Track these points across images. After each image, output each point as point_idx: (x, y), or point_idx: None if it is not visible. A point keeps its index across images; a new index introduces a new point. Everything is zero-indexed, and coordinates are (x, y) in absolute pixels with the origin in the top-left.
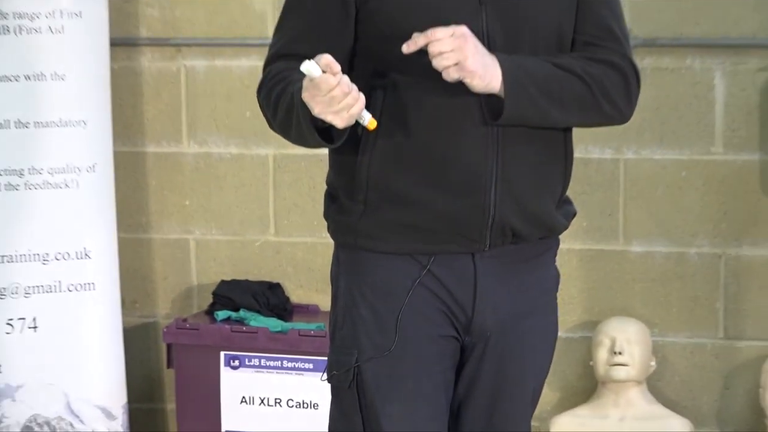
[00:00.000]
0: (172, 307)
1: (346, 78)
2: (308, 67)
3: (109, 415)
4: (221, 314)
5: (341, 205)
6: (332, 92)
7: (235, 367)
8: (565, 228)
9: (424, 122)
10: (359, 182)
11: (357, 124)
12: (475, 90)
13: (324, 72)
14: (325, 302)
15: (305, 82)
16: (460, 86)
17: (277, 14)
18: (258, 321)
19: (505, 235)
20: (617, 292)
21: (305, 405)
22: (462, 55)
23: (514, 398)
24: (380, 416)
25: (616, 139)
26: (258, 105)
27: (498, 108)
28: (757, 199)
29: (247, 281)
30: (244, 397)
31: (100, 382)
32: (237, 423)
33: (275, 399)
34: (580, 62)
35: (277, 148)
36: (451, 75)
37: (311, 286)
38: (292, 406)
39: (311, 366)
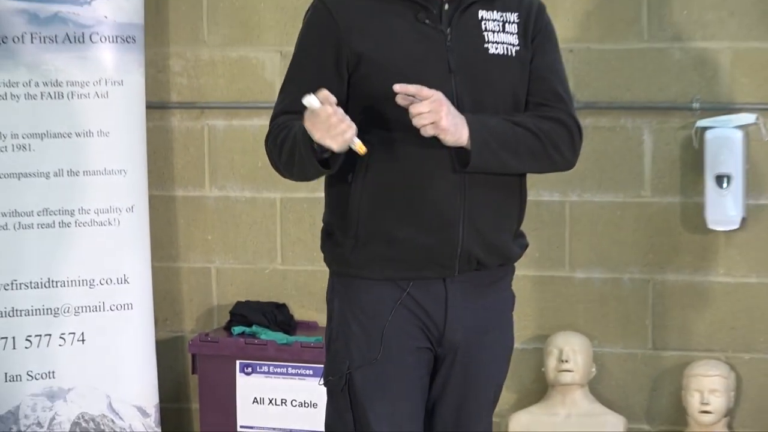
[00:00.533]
0: (197, 324)
1: (340, 109)
2: (309, 100)
3: (144, 413)
4: (237, 329)
5: (336, 240)
6: (329, 120)
7: (248, 373)
8: (519, 257)
9: (404, 170)
10: (351, 221)
11: (350, 149)
12: (447, 144)
13: (322, 104)
14: (323, 319)
15: (306, 114)
16: (434, 140)
17: None
18: (267, 335)
19: (470, 263)
20: (564, 311)
21: (306, 404)
22: (437, 116)
23: (479, 399)
24: (368, 414)
25: (563, 184)
26: (266, 152)
27: (465, 159)
28: (679, 234)
29: (258, 302)
30: (256, 398)
31: (137, 386)
32: (250, 420)
33: (281, 399)
34: (533, 120)
35: (283, 192)
36: (427, 132)
37: (312, 306)
38: (296, 406)
39: (311, 372)
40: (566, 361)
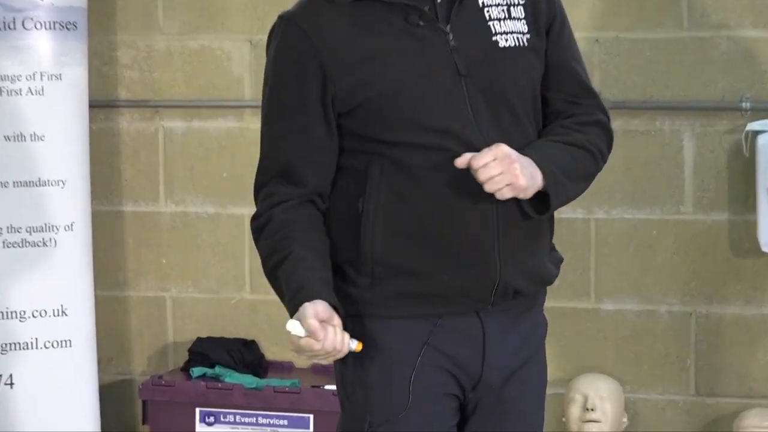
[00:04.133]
0: (148, 364)
1: (331, 334)
2: (293, 328)
3: None
4: (197, 371)
5: (346, 278)
6: (316, 353)
7: (210, 424)
8: (556, 276)
9: (424, 197)
10: (364, 257)
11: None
12: (519, 197)
13: (308, 335)
14: (299, 359)
15: (290, 335)
16: (452, 160)
17: (254, 77)
18: (233, 377)
19: (507, 294)
20: (589, 350)
21: None
22: (513, 176)
23: None
24: None
25: (588, 199)
26: (252, 236)
27: (538, 205)
28: (726, 258)
29: (222, 338)
30: None
31: None
32: None
33: None
34: (581, 134)
35: (252, 207)
36: (504, 195)
37: (286, 343)
38: None
39: (286, 422)
40: (592, 410)
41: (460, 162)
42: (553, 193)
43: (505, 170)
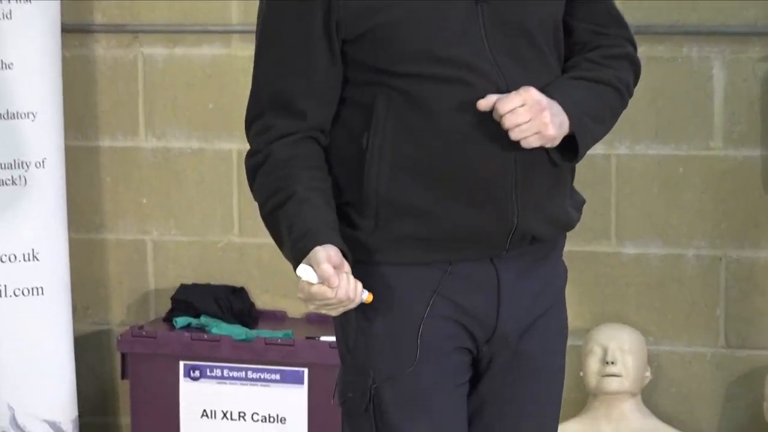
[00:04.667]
0: (128, 314)
1: (344, 282)
2: (304, 273)
3: (59, 430)
4: (181, 321)
5: (348, 221)
6: (328, 301)
7: (195, 378)
8: (578, 220)
9: (435, 133)
10: (367, 198)
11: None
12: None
13: (321, 282)
14: (293, 308)
15: (300, 281)
16: (473, 95)
17: None
18: (220, 328)
19: (524, 239)
20: (609, 298)
21: (272, 419)
22: (542, 125)
23: (543, 412)
24: None
25: (608, 134)
26: (246, 178)
27: (566, 153)
28: (759, 198)
29: (208, 285)
30: (205, 411)
31: (49, 395)
32: None
33: (239, 413)
34: (610, 70)
35: (241, 142)
36: (531, 143)
37: (278, 290)
38: (258, 421)
39: (278, 377)
40: (612, 363)
41: (484, 104)
42: (582, 140)
43: (534, 117)
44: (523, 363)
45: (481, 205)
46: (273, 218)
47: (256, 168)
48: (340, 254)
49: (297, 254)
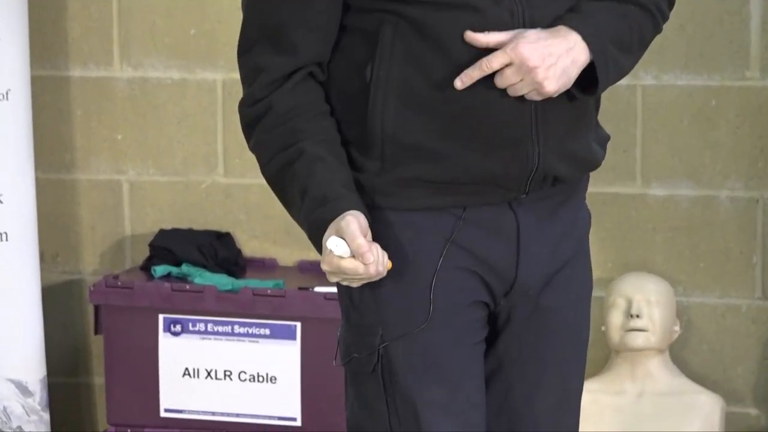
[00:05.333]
0: (101, 262)
1: (375, 254)
2: (336, 247)
3: (25, 391)
4: (160, 270)
5: (352, 162)
6: (357, 276)
7: (176, 333)
8: (603, 158)
9: (447, 65)
10: (372, 135)
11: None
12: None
13: (353, 256)
14: (284, 255)
15: (325, 252)
16: (484, 23)
17: None
18: (204, 278)
19: (545, 181)
20: (634, 244)
21: (261, 378)
22: (535, 84)
23: (566, 373)
24: (417, 403)
25: None
26: (241, 127)
27: (585, 86)
28: None
29: (190, 230)
30: (187, 369)
31: (13, 352)
32: (178, 400)
33: (225, 371)
34: None
35: (227, 71)
36: (533, 98)
37: (267, 236)
38: (245, 380)
39: (268, 332)
40: (637, 317)
41: (471, 39)
42: (603, 72)
43: (525, 77)
44: (545, 318)
45: (497, 145)
46: (280, 178)
47: (254, 121)
48: (366, 221)
49: (315, 222)
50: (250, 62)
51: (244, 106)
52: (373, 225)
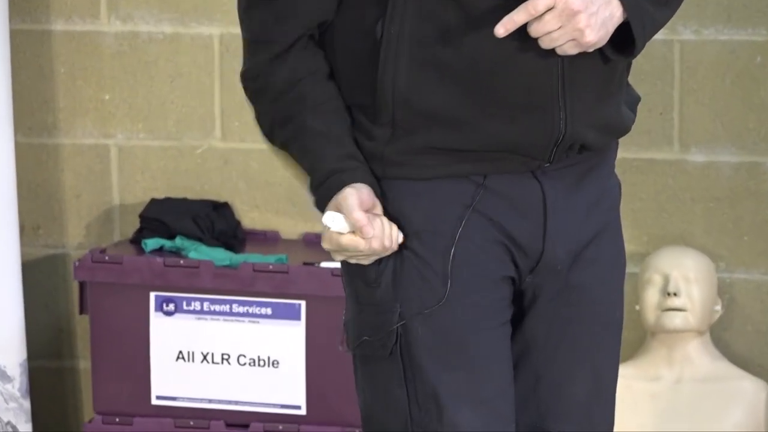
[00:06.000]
0: (87, 235)
1: (379, 229)
2: (332, 222)
3: (3, 376)
4: (151, 243)
5: (360, 128)
6: (360, 253)
7: (169, 313)
8: (633, 122)
9: (466, 23)
10: (383, 99)
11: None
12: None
13: (352, 231)
14: (287, 227)
15: (324, 230)
16: None
17: None
18: (199, 252)
19: (572, 149)
20: (672, 216)
21: (262, 362)
22: (576, 32)
23: (598, 347)
24: (439, 390)
25: None
26: (246, 96)
27: (620, 45)
28: None
29: (184, 200)
30: (181, 353)
31: None
32: (171, 386)
33: (223, 354)
34: None
35: (224, 25)
36: (567, 52)
37: (270, 206)
38: (245, 364)
39: (269, 311)
40: (675, 295)
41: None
42: (640, 31)
43: (566, 24)
44: (575, 298)
45: (521, 110)
46: (287, 150)
47: (254, 93)
48: (372, 193)
49: (322, 199)
50: (253, 27)
51: (245, 80)
52: (384, 196)
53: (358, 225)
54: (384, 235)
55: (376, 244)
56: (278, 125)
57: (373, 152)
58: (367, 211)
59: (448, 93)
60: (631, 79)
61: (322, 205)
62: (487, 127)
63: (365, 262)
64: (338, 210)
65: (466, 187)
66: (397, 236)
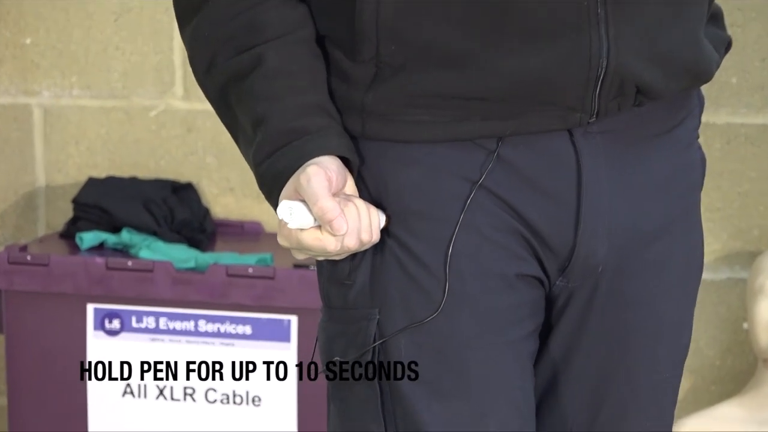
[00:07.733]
0: (2, 226)
1: (354, 218)
2: (288, 215)
3: None
4: (89, 238)
5: (336, 68)
6: (329, 253)
7: (113, 332)
8: (718, 65)
9: None
10: (365, 29)
11: None
12: None
13: (317, 225)
14: (272, 217)
15: (282, 225)
16: None
17: None
18: (154, 250)
19: (624, 94)
20: None
21: (238, 399)
22: None
23: (647, 377)
24: (426, 425)
25: None
26: (175, 10)
27: None
28: None
29: (133, 179)
30: (129, 386)
31: None
32: (115, 428)
33: (185, 389)
34: None
35: None
36: None
37: (248, 188)
38: (215, 401)
39: (249, 330)
40: None
41: None
42: None
43: None
44: (623, 311)
45: (545, 36)
46: (223, 97)
47: (186, 11)
48: (342, 168)
49: (274, 178)
50: None
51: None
52: (368, 166)
53: (326, 218)
54: (361, 227)
55: (350, 242)
56: (221, 56)
57: (350, 101)
58: (337, 193)
59: (446, 18)
60: (729, 18)
61: (271, 187)
62: (501, 63)
63: (338, 258)
64: (298, 196)
65: (472, 154)
66: (378, 224)
